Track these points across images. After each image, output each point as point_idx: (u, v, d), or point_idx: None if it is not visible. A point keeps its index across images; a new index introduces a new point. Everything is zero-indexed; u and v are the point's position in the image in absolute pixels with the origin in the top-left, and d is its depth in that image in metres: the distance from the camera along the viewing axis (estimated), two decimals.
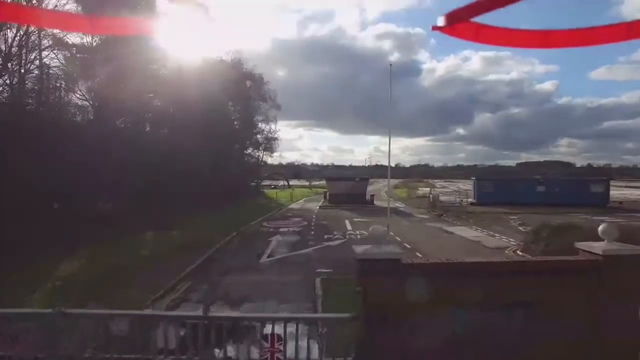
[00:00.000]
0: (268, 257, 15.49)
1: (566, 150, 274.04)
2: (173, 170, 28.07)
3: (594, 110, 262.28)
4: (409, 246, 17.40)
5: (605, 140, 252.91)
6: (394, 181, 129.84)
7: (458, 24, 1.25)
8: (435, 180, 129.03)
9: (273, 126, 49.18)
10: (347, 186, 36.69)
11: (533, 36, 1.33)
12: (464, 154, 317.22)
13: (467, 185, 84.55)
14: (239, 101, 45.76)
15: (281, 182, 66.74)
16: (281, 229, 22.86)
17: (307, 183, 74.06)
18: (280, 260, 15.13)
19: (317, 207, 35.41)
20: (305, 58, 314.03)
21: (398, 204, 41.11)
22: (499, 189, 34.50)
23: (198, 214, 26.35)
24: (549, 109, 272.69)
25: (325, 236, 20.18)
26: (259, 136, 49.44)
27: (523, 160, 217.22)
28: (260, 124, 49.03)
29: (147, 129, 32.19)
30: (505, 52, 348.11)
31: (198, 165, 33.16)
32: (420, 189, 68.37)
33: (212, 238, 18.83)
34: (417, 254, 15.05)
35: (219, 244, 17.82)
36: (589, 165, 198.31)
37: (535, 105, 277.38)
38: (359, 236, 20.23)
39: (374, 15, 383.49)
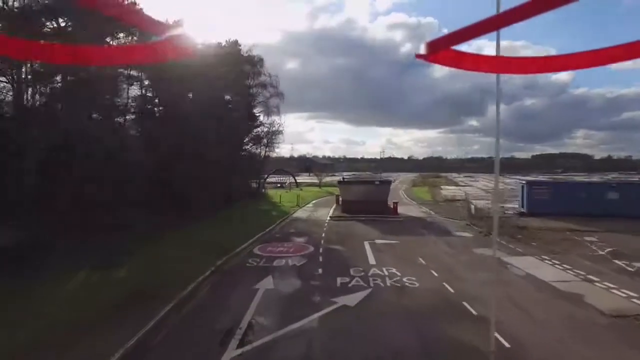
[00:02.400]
0: (240, 344, 8.95)
1: (582, 142, 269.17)
2: (140, 174, 21.71)
3: (613, 100, 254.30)
4: (474, 312, 10.74)
5: (624, 132, 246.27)
6: (410, 175, 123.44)
7: (439, 52, 1.26)
8: (453, 175, 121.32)
9: (276, 118, 42.48)
10: (365, 191, 29.94)
11: (511, 62, 1.37)
12: (477, 146, 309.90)
13: (491, 181, 75.17)
14: (237, 90, 39.21)
15: (288, 181, 60.12)
16: (276, 262, 16.31)
17: (317, 180, 67.36)
18: (259, 354, 8.59)
19: (328, 218, 28.79)
20: (316, 49, 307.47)
21: (424, 210, 34.28)
22: (556, 196, 27.48)
23: (172, 233, 20.04)
24: (564, 100, 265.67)
25: (339, 280, 13.57)
26: (260, 129, 42.90)
27: (538, 153, 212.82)
28: (261, 116, 42.48)
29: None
30: (520, 42, 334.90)
31: (181, 168, 26.84)
32: (443, 187, 61.28)
33: (172, 283, 12.47)
34: (503, 341, 8.56)
35: (175, 300, 11.37)
36: (609, 157, 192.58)
37: (550, 97, 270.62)
38: (388, 281, 13.56)
39: (385, 5, 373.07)
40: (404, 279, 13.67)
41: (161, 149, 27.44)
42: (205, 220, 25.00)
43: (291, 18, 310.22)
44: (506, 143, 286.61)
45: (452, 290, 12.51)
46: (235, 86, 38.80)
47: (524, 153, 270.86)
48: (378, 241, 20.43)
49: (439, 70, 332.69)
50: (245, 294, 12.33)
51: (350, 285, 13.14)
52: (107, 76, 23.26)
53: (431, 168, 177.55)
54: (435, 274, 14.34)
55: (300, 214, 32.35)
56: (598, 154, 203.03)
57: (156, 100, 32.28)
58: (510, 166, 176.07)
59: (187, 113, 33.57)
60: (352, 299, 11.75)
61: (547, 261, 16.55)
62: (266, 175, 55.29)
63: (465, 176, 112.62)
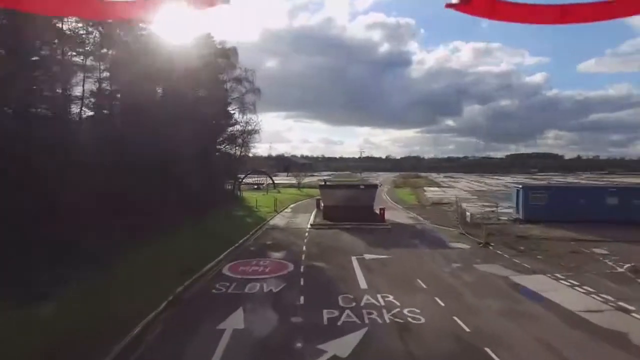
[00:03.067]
0: None
1: (553, 142, 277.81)
2: (91, 179, 18.55)
3: (581, 102, 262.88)
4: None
5: (592, 133, 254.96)
6: (390, 175, 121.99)
7: (471, 1, 1.18)
8: (433, 175, 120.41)
9: (252, 117, 39.44)
10: (349, 196, 27.38)
11: (551, 11, 1.24)
12: (453, 146, 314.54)
13: (473, 182, 76.25)
14: (210, 85, 36.10)
15: (265, 182, 57.13)
16: (249, 287, 13.55)
17: (295, 181, 64.57)
18: None
19: (308, 227, 26.11)
20: (295, 48, 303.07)
21: (411, 215, 32.02)
22: (553, 201, 25.59)
23: (128, 250, 17.03)
24: (537, 102, 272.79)
25: (326, 314, 10.95)
26: (234, 128, 39.86)
27: (512, 153, 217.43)
28: (236, 114, 39.41)
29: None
30: (495, 43, 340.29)
31: (143, 171, 23.79)
32: (426, 189, 59.48)
33: (111, 327, 9.62)
34: None
35: (107, 357, 8.53)
36: (579, 157, 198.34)
37: (524, 98, 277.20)
38: (386, 314, 11.01)
39: (364, 5, 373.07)
40: (405, 311, 11.15)
41: (120, 150, 24.29)
42: (170, 232, 21.93)
43: (270, 16, 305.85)
44: (481, 143, 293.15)
45: (466, 329, 10.05)
46: (208, 81, 35.70)
47: (499, 153, 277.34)
48: (367, 256, 17.90)
49: (417, 70, 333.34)
50: (206, 339, 9.57)
51: (340, 322, 10.52)
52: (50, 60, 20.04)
53: (409, 168, 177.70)
54: (441, 303, 11.88)
55: (278, 220, 29.57)
56: (568, 154, 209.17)
57: (118, 95, 28.97)
58: (486, 166, 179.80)
59: (154, 110, 30.48)
60: (344, 346, 9.13)
61: (562, 281, 14.33)
62: (242, 177, 52.18)
63: (446, 176, 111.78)
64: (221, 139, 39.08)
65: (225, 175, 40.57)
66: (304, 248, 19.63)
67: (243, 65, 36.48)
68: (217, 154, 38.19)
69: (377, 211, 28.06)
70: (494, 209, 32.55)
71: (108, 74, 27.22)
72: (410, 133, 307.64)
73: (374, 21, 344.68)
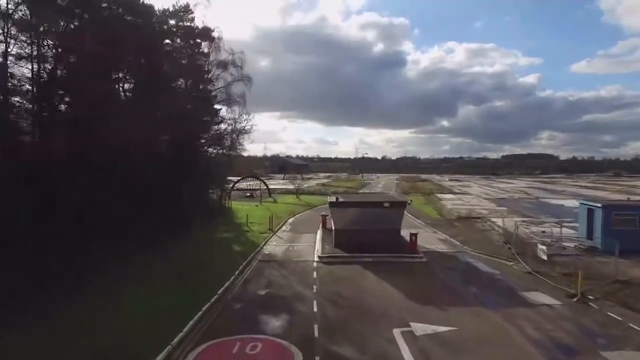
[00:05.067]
0: None
1: (547, 142, 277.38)
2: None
3: (574, 103, 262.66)
4: None
5: (585, 133, 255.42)
6: (390, 177, 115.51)
7: None
8: (436, 177, 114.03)
9: (242, 111, 32.41)
10: (368, 216, 20.63)
11: None
12: (448, 146, 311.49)
13: (484, 187, 68.15)
14: (189, 71, 29.31)
15: (259, 189, 50.27)
16: None
17: (292, 186, 57.72)
18: None
19: (316, 259, 19.37)
20: (288, 47, 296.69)
21: (441, 236, 25.37)
22: None
23: (32, 322, 10.30)
24: (531, 102, 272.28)
25: None
26: (221, 127, 32.97)
27: (507, 153, 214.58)
28: (222, 109, 32.51)
29: None
30: (489, 44, 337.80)
31: (85, 185, 17.12)
32: (440, 196, 52.93)
33: None
34: None
35: None
36: (574, 158, 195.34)
37: (518, 98, 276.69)
38: None
39: (358, 4, 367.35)
40: None
41: (53, 155, 17.55)
42: (120, 275, 15.17)
43: (263, 15, 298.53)
44: (476, 143, 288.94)
45: None
46: (187, 67, 28.93)
47: (493, 153, 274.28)
48: (418, 327, 11.22)
49: (411, 70, 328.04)
50: None
51: None
52: None
53: (406, 168, 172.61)
54: None
55: (274, 246, 22.78)
56: (562, 155, 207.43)
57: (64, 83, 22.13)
58: (484, 166, 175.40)
59: (113, 102, 23.77)
60: None
61: None
62: (232, 184, 45.35)
63: (451, 179, 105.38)
64: (204, 139, 32.23)
65: (210, 183, 33.71)
66: (315, 308, 12.88)
67: (230, 47, 29.61)
68: (199, 157, 31.33)
69: (406, 236, 21.39)
70: (544, 229, 26.09)
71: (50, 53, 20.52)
72: (404, 133, 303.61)
73: (368, 21, 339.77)
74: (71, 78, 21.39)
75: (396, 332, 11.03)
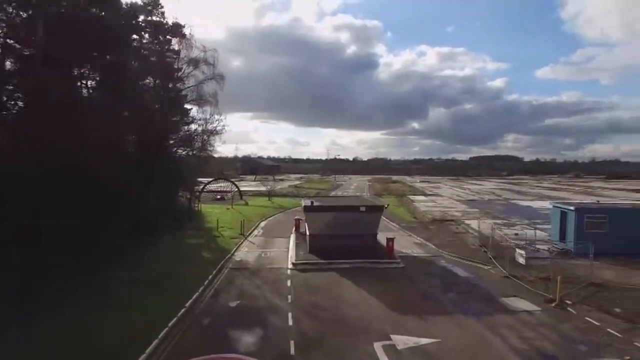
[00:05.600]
0: None
1: (512, 145, 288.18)
2: None
3: (538, 107, 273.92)
4: None
5: (547, 136, 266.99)
6: (362, 179, 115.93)
7: None
8: (408, 179, 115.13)
9: (213, 111, 31.22)
10: (344, 221, 20.04)
11: None
12: (418, 148, 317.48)
13: (455, 188, 68.95)
14: (159, 70, 27.93)
15: (230, 191, 48.97)
16: None
17: (264, 188, 56.69)
18: None
19: (290, 266, 18.61)
20: (262, 48, 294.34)
21: (416, 239, 25.13)
22: (615, 228, 19.34)
23: None
24: (498, 105, 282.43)
25: None
26: (191, 127, 31.65)
27: (475, 155, 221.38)
28: (193, 109, 31.23)
29: None
30: (459, 48, 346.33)
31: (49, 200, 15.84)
32: (413, 197, 53.15)
33: None
34: None
35: None
36: (537, 160, 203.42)
37: (486, 102, 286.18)
38: None
39: (332, 6, 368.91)
40: None
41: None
42: (79, 293, 13.98)
43: (236, 14, 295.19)
44: (445, 145, 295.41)
45: None
46: (156, 64, 27.56)
47: (462, 155, 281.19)
48: (400, 343, 10.68)
49: (383, 73, 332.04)
50: None
51: None
52: None
53: (377, 169, 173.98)
54: None
55: (246, 253, 21.86)
56: (526, 157, 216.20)
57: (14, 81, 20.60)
58: (453, 168, 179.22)
59: (72, 100, 22.35)
60: None
61: None
62: (202, 186, 43.95)
63: (422, 180, 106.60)
64: (174, 140, 30.86)
65: (179, 186, 32.36)
66: (290, 321, 12.15)
67: (202, 45, 28.37)
68: (168, 159, 29.93)
69: (382, 241, 20.94)
70: (517, 232, 26.29)
71: None
72: (376, 135, 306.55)
73: (341, 22, 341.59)
74: (23, 72, 19.86)
75: (377, 346, 10.47)
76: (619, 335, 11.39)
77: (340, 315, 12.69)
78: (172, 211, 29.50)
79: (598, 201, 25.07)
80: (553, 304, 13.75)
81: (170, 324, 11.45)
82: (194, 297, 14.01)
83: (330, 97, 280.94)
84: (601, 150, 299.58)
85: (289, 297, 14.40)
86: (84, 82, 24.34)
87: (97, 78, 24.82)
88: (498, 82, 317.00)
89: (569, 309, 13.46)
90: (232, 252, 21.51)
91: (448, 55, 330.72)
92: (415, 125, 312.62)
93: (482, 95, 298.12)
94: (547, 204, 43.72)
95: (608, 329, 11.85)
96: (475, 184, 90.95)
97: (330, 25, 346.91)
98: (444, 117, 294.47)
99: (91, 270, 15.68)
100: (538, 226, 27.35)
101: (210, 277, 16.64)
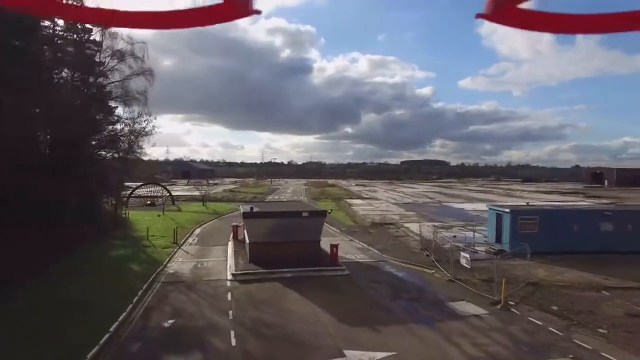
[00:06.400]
0: None
1: (439, 150, 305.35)
2: None
3: (462, 115, 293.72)
4: None
5: (470, 142, 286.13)
6: (298, 182, 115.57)
7: (504, 11, 1.19)
8: (343, 182, 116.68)
9: (142, 111, 28.78)
10: (286, 227, 19.06)
11: (580, 20, 1.21)
12: (351, 152, 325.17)
13: (388, 191, 71.06)
14: (77, 63, 25.13)
15: (161, 196, 45.90)
16: None
17: (198, 193, 54.01)
18: None
19: (230, 277, 17.29)
20: (193, 48, 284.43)
21: (358, 244, 24.88)
22: (544, 228, 20.37)
23: None
24: (426, 112, 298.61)
25: None
26: (117, 127, 28.94)
27: (405, 159, 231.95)
28: (119, 107, 28.56)
29: None
30: (390, 57, 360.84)
31: None
32: (350, 201, 53.48)
33: None
34: None
35: None
36: (463, 164, 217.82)
37: (415, 108, 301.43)
38: None
39: (266, 9, 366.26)
40: None
41: None
42: None
43: (165, 6, 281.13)
44: (378, 149, 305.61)
45: None
46: (73, 55, 24.78)
47: (394, 159, 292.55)
48: (354, 356, 9.99)
49: (317, 77, 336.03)
50: None
51: None
52: None
53: (312, 173, 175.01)
54: None
55: (181, 264, 20.13)
56: (453, 161, 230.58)
57: None
58: (385, 172, 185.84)
59: None
60: None
61: None
62: (130, 191, 40.70)
63: (357, 184, 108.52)
64: (96, 141, 28.01)
65: (102, 192, 29.43)
66: (233, 341, 10.97)
67: (128, 36, 25.96)
68: (89, 161, 27.02)
69: (326, 247, 20.28)
70: (454, 234, 26.99)
71: None
72: (310, 139, 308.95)
73: (275, 26, 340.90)
74: None
75: None
76: (560, 334, 11.67)
77: (288, 331, 11.74)
78: (94, 220, 26.64)
79: (528, 203, 26.48)
80: (498, 306, 13.89)
81: (89, 355, 9.80)
82: (120, 318, 12.31)
83: (265, 100, 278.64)
84: (515, 155, 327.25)
85: (231, 312, 13.18)
86: None
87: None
88: (426, 90, 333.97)
89: (512, 309, 13.67)
90: (164, 263, 19.68)
91: (379, 62, 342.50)
92: (349, 129, 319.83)
93: (411, 102, 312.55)
94: (477, 206, 46.24)
95: (550, 328, 12.12)
96: (408, 187, 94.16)
97: (264, 28, 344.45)
98: (375, 122, 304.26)
99: None
100: (472, 227, 28.36)
101: (140, 293, 14.90)
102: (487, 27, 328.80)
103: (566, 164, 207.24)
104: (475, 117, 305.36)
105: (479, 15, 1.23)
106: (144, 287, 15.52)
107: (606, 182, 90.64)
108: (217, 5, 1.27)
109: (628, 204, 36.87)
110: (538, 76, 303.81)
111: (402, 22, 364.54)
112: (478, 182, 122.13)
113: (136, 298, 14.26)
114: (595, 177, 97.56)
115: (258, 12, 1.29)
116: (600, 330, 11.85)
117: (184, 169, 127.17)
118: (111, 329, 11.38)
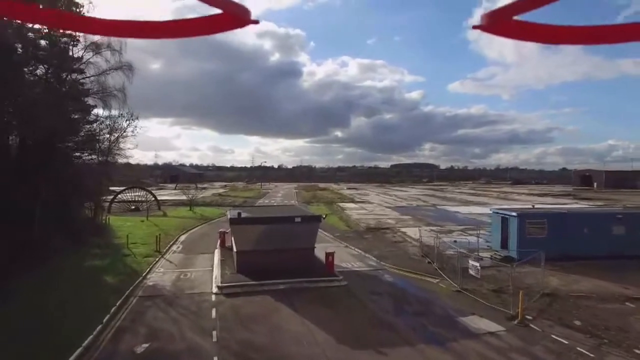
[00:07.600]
0: None
1: (429, 153, 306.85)
2: None
3: (451, 118, 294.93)
4: None
5: (459, 145, 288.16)
6: (289, 186, 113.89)
7: (500, 22, 1.17)
8: (334, 186, 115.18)
9: (122, 109, 26.93)
10: (276, 235, 17.42)
11: (578, 32, 1.19)
12: (341, 156, 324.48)
13: (380, 195, 69.83)
14: (50, 56, 23.31)
15: (146, 201, 43.87)
16: None
17: (185, 197, 51.95)
18: None
19: (215, 290, 15.61)
20: (182, 51, 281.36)
21: (354, 250, 23.38)
22: (553, 233, 19.04)
23: None
24: (416, 116, 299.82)
25: None
26: (94, 127, 27.08)
27: (395, 162, 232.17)
28: (97, 105, 26.69)
29: None
30: (379, 60, 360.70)
31: None
32: (342, 205, 51.98)
33: None
34: None
35: None
36: (452, 167, 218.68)
37: (404, 112, 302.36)
38: None
39: (255, 12, 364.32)
40: None
41: None
42: None
43: (155, 15, 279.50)
44: (367, 153, 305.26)
45: None
46: (46, 48, 22.97)
47: (383, 162, 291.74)
48: None
49: (307, 81, 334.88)
50: None
51: None
52: None
53: (302, 177, 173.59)
54: None
55: (162, 275, 18.37)
56: (442, 164, 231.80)
57: None
58: (375, 175, 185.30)
59: None
60: None
61: None
62: (112, 196, 38.73)
63: (348, 187, 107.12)
64: (72, 141, 26.14)
65: (79, 196, 27.49)
66: None
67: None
68: (64, 163, 25.11)
69: (316, 253, 18.68)
70: (455, 239, 25.59)
71: None
72: (300, 142, 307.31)
73: (265, 29, 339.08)
74: None
75: None
76: (591, 355, 10.27)
77: (280, 355, 10.13)
78: (70, 226, 24.71)
79: (533, 206, 25.19)
80: (515, 322, 12.45)
81: None
82: (86, 342, 10.59)
83: (254, 104, 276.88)
84: (504, 158, 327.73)
85: (214, 333, 11.52)
86: None
87: None
88: (415, 94, 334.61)
89: (531, 325, 12.23)
90: (143, 274, 17.92)
91: (369, 66, 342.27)
92: (339, 133, 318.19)
93: (400, 105, 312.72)
94: (472, 210, 45.15)
95: (578, 348, 10.70)
96: (400, 190, 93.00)
97: (253, 31, 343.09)
98: (365, 126, 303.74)
99: None
100: (472, 232, 27.03)
101: (113, 310, 13.18)
102: (476, 32, 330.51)
103: (554, 167, 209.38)
104: (464, 121, 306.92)
105: (475, 27, 1.21)
106: (117, 304, 13.79)
107: (595, 184, 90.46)
108: (215, 15, 1.28)
109: (629, 206, 35.94)
110: (526, 80, 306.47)
111: (391, 26, 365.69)
112: (469, 185, 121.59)
113: (107, 317, 12.54)
114: (584, 179, 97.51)
115: (256, 22, 1.31)
116: (637, 352, 10.46)
117: (173, 173, 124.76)
118: (72, 358, 9.67)
